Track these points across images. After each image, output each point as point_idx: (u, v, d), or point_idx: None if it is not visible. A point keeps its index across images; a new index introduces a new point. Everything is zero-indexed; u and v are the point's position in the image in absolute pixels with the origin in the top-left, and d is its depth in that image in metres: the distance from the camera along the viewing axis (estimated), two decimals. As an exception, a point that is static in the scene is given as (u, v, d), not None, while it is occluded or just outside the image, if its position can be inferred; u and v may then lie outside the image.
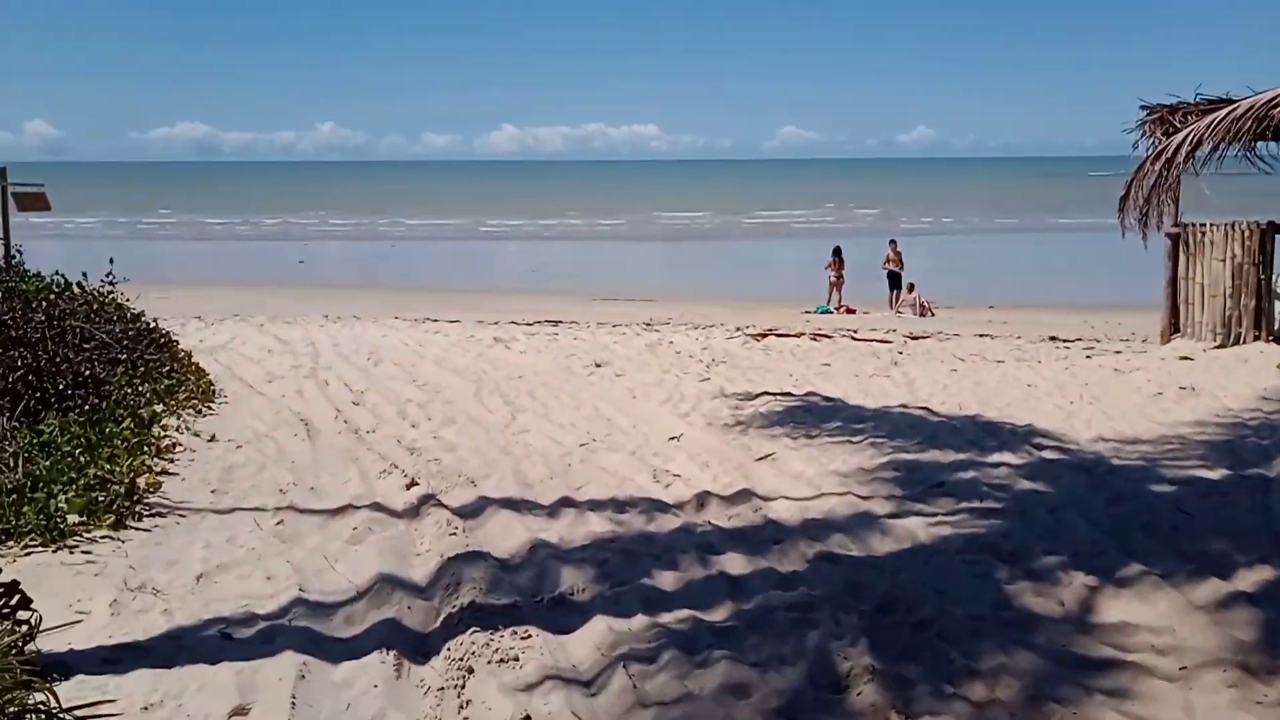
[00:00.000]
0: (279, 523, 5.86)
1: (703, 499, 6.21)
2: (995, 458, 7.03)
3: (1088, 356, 12.33)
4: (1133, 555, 4.95)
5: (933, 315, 21.04)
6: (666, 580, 4.94)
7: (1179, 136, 11.63)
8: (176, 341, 12.01)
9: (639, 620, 4.42)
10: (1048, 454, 7.15)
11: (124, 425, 7.10)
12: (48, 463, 6.09)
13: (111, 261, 12.15)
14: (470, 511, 6.09)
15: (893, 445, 7.40)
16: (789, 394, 9.53)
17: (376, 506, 6.16)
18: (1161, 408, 8.62)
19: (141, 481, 6.30)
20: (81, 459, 6.26)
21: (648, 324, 17.49)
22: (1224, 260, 11.91)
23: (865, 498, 6.17)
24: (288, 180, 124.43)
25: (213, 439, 7.92)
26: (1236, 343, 11.64)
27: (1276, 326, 11.61)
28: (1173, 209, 12.74)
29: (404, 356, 12.19)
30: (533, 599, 4.73)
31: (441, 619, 4.56)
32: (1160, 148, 11.99)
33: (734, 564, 5.10)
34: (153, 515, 5.93)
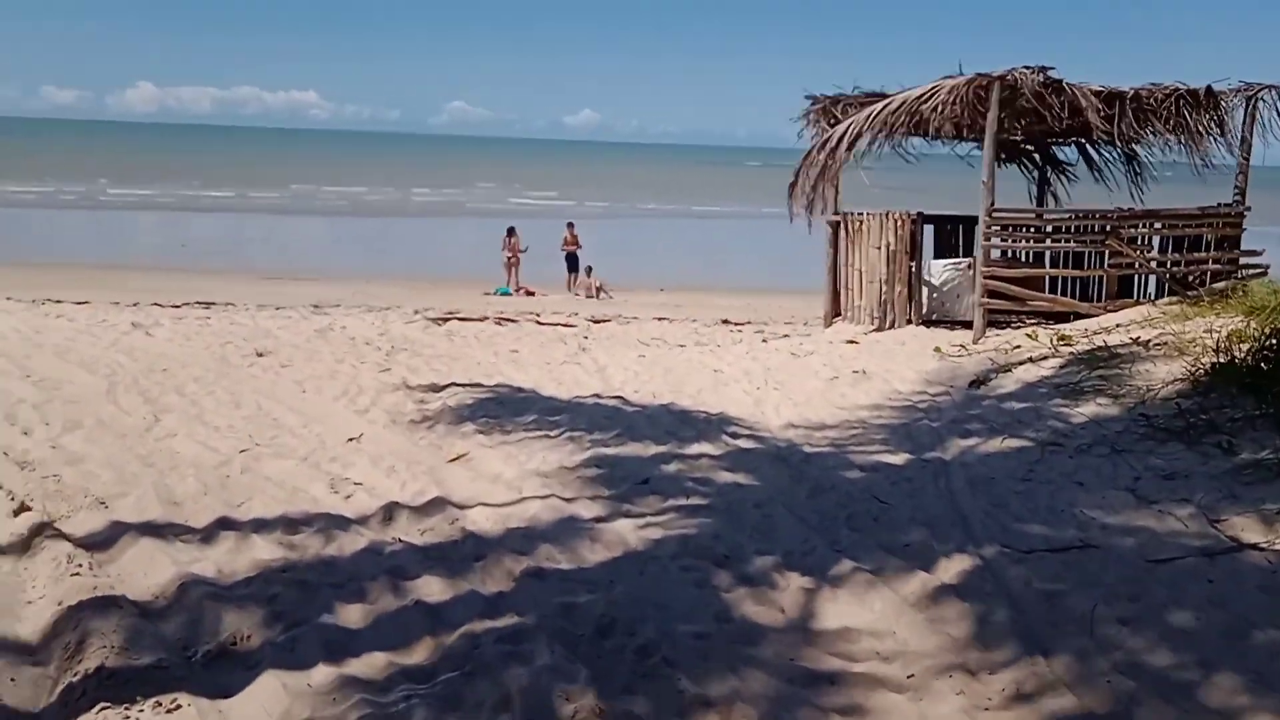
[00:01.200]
0: None
1: (390, 511, 5.49)
2: (695, 449, 6.86)
3: (763, 340, 12.79)
4: (842, 551, 4.87)
5: (609, 297, 21.28)
6: (352, 616, 4.21)
7: (840, 128, 12.33)
8: None
9: (321, 673, 3.68)
10: (744, 443, 7.10)
11: None
12: None
13: None
14: (101, 542, 4.97)
15: (592, 439, 7.03)
16: (479, 384, 8.94)
17: (-31, 545, 4.86)
18: (840, 392, 8.95)
19: None
20: None
21: (316, 306, 16.18)
22: (879, 248, 12.75)
23: (570, 499, 5.73)
24: None
25: None
26: (891, 326, 12.51)
27: (924, 311, 12.59)
28: (834, 197, 13.50)
29: (14, 346, 10.24)
30: (184, 654, 3.83)
31: (59, 691, 3.56)
32: (824, 137, 12.70)
33: (431, 589, 4.46)
34: None
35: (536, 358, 10.80)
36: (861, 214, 13.22)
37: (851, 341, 11.66)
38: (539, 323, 14.73)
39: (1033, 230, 13.16)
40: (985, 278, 11.58)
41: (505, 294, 21.65)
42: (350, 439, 7.02)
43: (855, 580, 4.50)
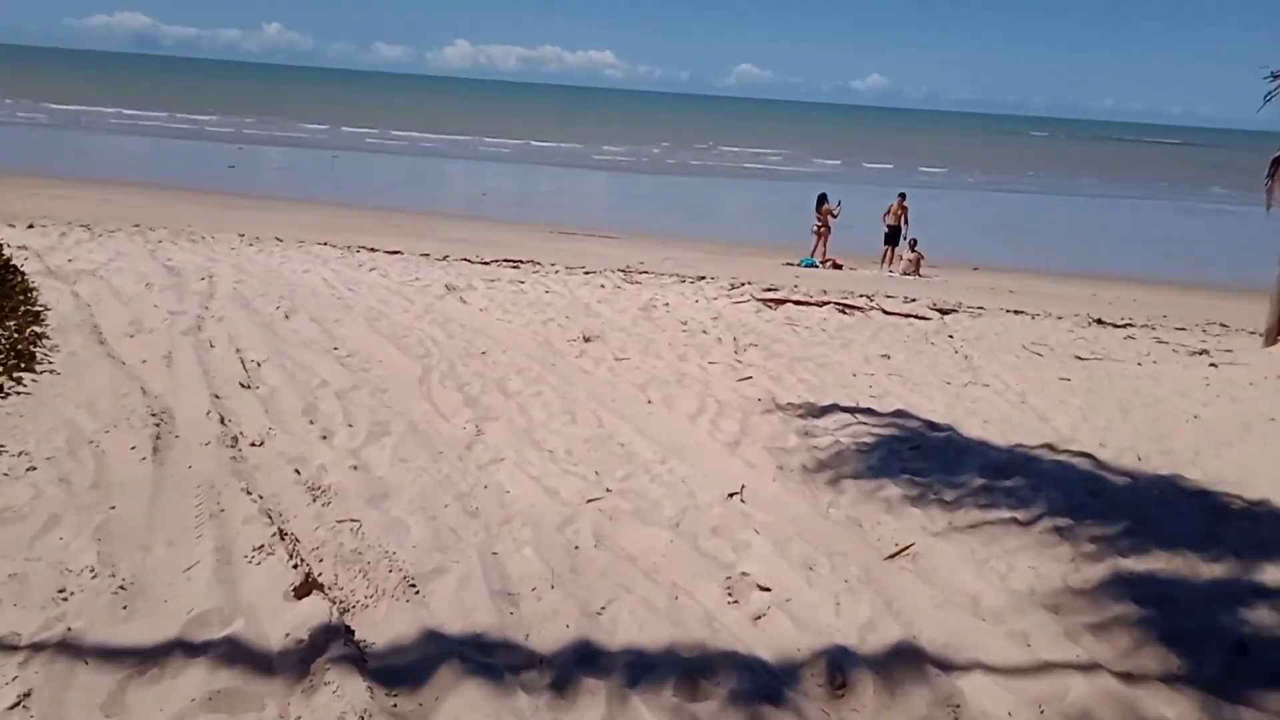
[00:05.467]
0: (22, 700, 2.92)
1: (837, 665, 3.40)
2: (1274, 575, 4.33)
3: (1212, 365, 9.75)
4: None
5: (923, 277, 18.46)
6: None
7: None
8: (16, 268, 8.93)
9: None
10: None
11: None
12: None
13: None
14: (409, 674, 3.22)
15: (1089, 534, 4.65)
16: (870, 411, 6.72)
17: (231, 652, 3.24)
18: None
19: None
20: None
21: (625, 272, 14.58)
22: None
23: (1127, 679, 3.41)
24: (228, 80, 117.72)
25: (-6, 450, 4.91)
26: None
27: None
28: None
29: (326, 308, 9.14)
30: None
31: None
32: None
33: None
34: None
35: (921, 369, 8.43)
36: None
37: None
38: (884, 312, 12.33)
39: None
40: None
41: (810, 265, 19.22)
42: (731, 494, 5.01)
43: None
